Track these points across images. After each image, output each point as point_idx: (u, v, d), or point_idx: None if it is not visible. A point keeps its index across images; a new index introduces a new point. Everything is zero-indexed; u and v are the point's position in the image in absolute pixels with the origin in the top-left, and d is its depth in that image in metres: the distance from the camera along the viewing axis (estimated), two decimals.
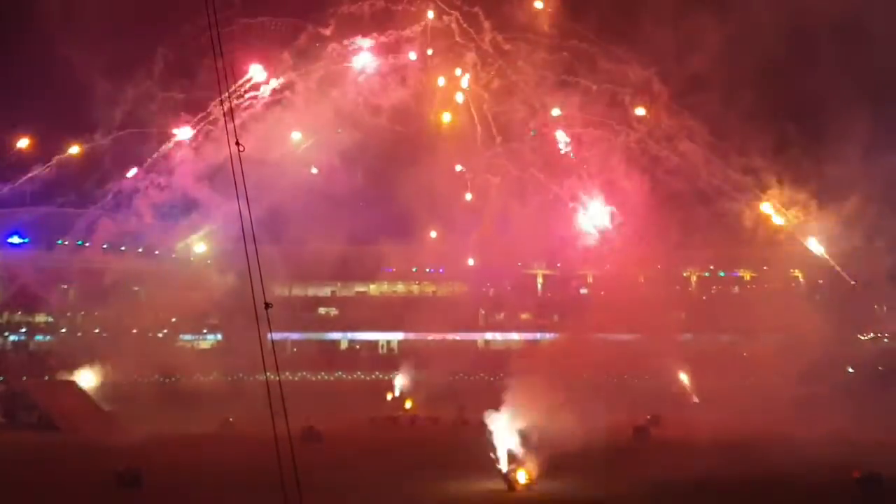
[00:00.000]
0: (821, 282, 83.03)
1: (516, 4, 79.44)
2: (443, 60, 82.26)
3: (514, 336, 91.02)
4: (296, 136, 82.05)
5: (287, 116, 79.19)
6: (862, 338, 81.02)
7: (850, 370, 69.82)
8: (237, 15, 73.94)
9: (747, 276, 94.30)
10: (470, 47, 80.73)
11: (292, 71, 79.34)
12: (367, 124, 78.69)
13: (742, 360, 75.47)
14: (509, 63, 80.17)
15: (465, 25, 79.68)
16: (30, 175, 77.59)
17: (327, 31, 78.88)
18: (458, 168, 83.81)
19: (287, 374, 71.91)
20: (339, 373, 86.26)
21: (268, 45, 78.23)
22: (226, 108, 20.36)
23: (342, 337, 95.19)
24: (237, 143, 17.71)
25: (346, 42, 79.29)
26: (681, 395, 70.57)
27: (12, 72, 79.74)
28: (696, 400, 70.61)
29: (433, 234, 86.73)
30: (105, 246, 79.92)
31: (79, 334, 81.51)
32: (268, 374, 18.13)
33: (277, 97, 79.39)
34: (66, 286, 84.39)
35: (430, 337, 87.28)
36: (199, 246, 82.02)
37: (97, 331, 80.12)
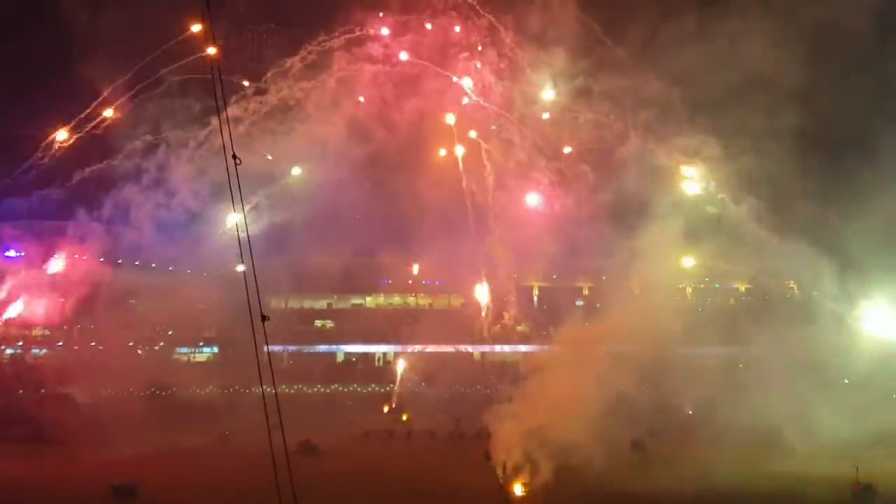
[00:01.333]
0: (816, 293, 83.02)
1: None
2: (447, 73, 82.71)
3: (510, 348, 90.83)
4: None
5: (292, 127, 79.34)
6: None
7: (846, 381, 69.68)
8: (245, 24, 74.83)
9: (742, 287, 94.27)
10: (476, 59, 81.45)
11: (295, 81, 79.66)
12: (368, 138, 78.79)
13: (738, 372, 75.34)
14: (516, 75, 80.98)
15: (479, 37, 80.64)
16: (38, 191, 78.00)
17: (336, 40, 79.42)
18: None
19: (283, 387, 72.17)
20: (336, 385, 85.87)
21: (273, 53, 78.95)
22: (222, 121, 20.28)
23: (338, 349, 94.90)
24: (234, 157, 17.74)
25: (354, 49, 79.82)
26: (677, 407, 70.44)
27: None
28: (690, 412, 70.49)
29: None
30: (102, 259, 79.85)
31: (75, 347, 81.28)
32: (264, 387, 18.15)
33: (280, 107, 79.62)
34: (62, 299, 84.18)
35: (427, 349, 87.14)
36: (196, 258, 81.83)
37: (93, 344, 79.93)
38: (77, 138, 78.93)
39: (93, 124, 78.41)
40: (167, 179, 78.08)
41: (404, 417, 70.73)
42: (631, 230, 72.95)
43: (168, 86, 76.66)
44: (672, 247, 70.52)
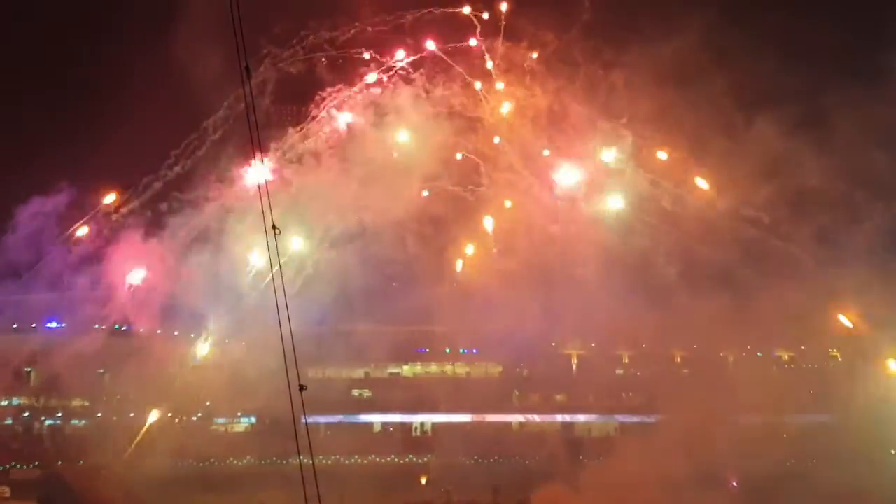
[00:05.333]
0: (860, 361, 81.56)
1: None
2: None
3: (550, 418, 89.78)
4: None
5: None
6: None
7: (893, 452, 68.08)
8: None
9: (785, 356, 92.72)
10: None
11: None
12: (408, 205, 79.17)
13: (781, 442, 73.86)
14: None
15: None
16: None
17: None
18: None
19: (320, 457, 71.81)
20: (373, 456, 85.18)
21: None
22: (262, 190, 20.35)
23: (376, 419, 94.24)
24: (273, 227, 17.88)
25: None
26: (720, 478, 68.99)
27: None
28: (734, 484, 69.04)
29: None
30: (141, 329, 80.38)
31: (114, 418, 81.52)
32: (301, 457, 18.04)
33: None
34: (102, 370, 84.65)
35: (464, 419, 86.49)
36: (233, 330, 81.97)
37: (132, 415, 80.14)
38: (117, 209, 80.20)
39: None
40: (207, 248, 78.67)
41: (442, 489, 69.93)
42: (671, 297, 72.56)
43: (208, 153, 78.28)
44: (714, 313, 69.77)
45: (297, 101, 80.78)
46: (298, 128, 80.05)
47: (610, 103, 78.96)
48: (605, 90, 78.83)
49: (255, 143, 18.21)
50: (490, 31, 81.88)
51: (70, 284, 79.57)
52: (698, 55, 70.58)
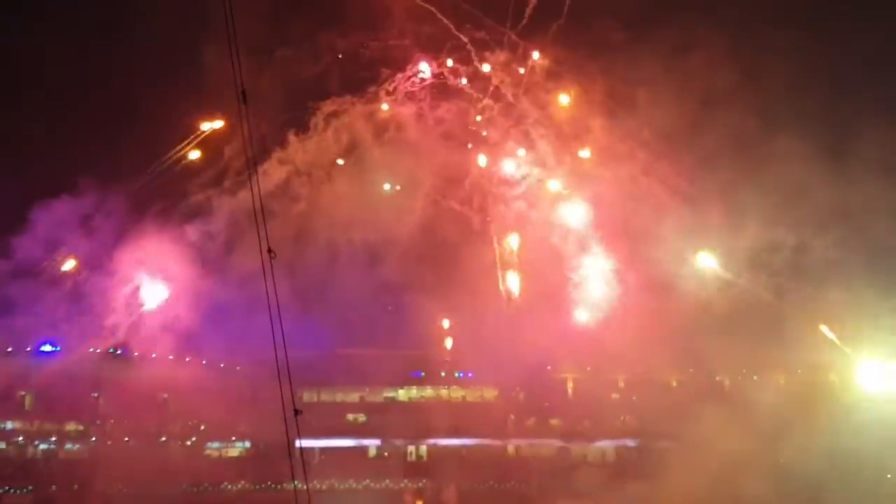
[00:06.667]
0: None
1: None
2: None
3: (546, 442, 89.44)
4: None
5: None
6: None
7: (889, 476, 67.91)
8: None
9: (782, 379, 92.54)
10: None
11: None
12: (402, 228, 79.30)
13: (777, 467, 73.67)
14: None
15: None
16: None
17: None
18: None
19: (315, 482, 71.61)
20: (368, 481, 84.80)
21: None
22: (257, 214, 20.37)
23: (370, 443, 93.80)
24: (269, 251, 17.90)
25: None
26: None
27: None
28: None
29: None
30: (136, 353, 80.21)
31: (108, 443, 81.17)
32: (296, 482, 18.01)
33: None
34: (96, 394, 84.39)
35: (460, 443, 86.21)
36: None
37: (127, 439, 79.82)
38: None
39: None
40: (205, 270, 78.66)
41: None
42: (665, 320, 72.54)
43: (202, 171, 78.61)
44: (708, 336, 69.79)
45: (302, 112, 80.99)
46: (300, 139, 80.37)
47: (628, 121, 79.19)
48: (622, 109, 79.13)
49: (250, 167, 18.30)
50: (504, 49, 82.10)
51: (65, 307, 79.57)
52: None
